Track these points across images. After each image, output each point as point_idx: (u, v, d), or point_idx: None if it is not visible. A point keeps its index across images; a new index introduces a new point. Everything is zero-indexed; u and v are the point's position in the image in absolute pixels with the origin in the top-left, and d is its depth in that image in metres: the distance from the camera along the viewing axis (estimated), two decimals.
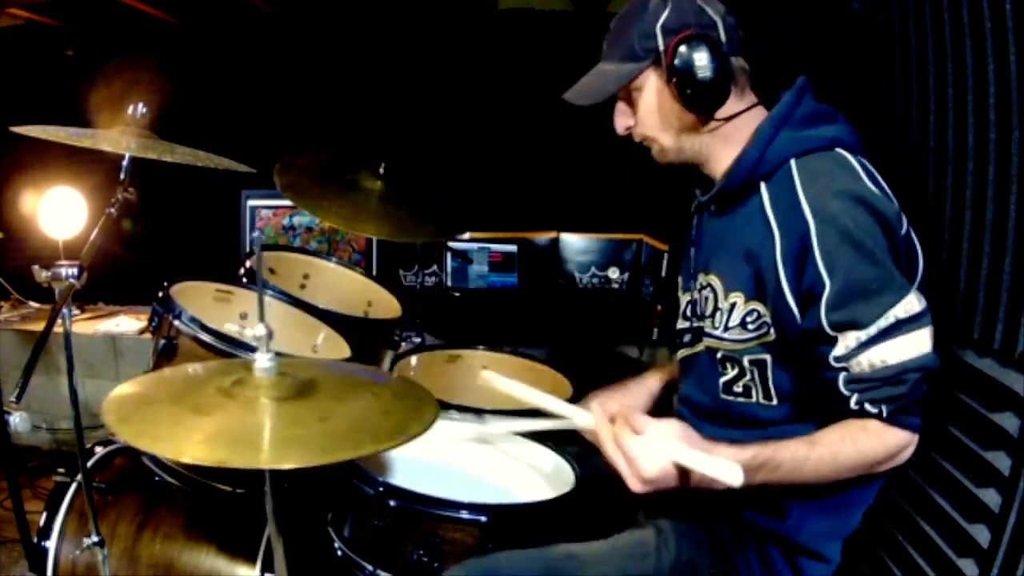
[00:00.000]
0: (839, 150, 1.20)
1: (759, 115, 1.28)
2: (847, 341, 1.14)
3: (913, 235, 1.22)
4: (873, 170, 1.21)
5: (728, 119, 1.26)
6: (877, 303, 1.13)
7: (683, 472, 1.12)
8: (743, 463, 1.10)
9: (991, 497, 1.29)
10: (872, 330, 1.13)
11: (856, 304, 1.13)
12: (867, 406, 1.14)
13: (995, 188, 1.29)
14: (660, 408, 1.63)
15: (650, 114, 1.28)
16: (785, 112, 1.24)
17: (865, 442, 1.15)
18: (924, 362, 1.14)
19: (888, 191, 1.20)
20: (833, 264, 1.14)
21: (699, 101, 1.22)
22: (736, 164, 1.26)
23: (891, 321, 1.13)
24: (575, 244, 3.07)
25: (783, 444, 1.16)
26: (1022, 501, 1.24)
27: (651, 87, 1.26)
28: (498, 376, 1.39)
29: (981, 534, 1.31)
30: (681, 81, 1.19)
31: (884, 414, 1.14)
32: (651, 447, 1.12)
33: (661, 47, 1.21)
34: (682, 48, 1.18)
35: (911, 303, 1.14)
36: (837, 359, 1.15)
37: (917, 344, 1.14)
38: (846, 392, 1.15)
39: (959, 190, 1.39)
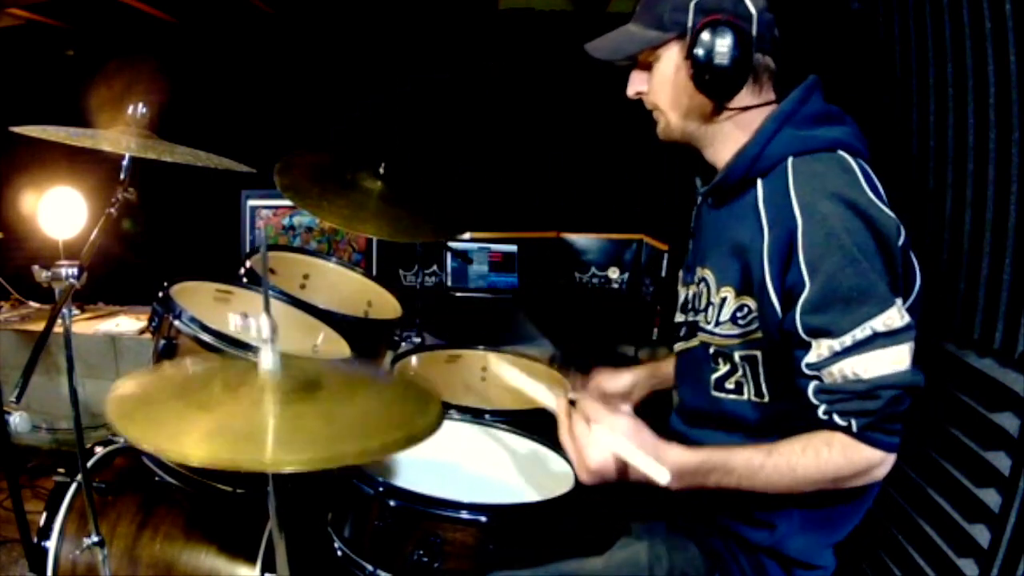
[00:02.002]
0: (841, 152, 1.18)
1: (771, 112, 1.27)
2: (820, 349, 1.11)
3: (911, 251, 1.19)
4: (874, 178, 1.18)
5: (739, 110, 1.25)
6: (856, 312, 1.09)
7: (623, 467, 1.14)
8: (690, 465, 1.14)
9: (991, 497, 1.29)
10: (847, 340, 1.09)
11: (833, 311, 1.10)
12: (836, 418, 1.11)
13: (995, 188, 1.29)
14: (656, 398, 1.66)
15: (663, 86, 1.27)
16: (790, 110, 1.23)
17: (828, 456, 1.12)
18: (900, 379, 1.10)
19: (885, 200, 1.17)
20: (816, 265, 1.11)
21: (711, 87, 1.21)
22: (736, 158, 1.25)
23: (868, 333, 1.09)
24: (575, 244, 3.08)
25: (738, 450, 1.16)
26: (1022, 501, 1.24)
27: (670, 59, 1.25)
28: (503, 366, 1.42)
29: (981, 534, 1.31)
30: (698, 62, 1.18)
31: (854, 428, 1.10)
32: (597, 436, 1.16)
33: (690, 24, 1.19)
34: (708, 30, 1.17)
35: (892, 317, 1.10)
36: (809, 366, 1.12)
37: (894, 360, 1.10)
38: (815, 401, 1.12)
39: (959, 190, 1.39)
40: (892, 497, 1.58)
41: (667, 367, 1.62)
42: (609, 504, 1.44)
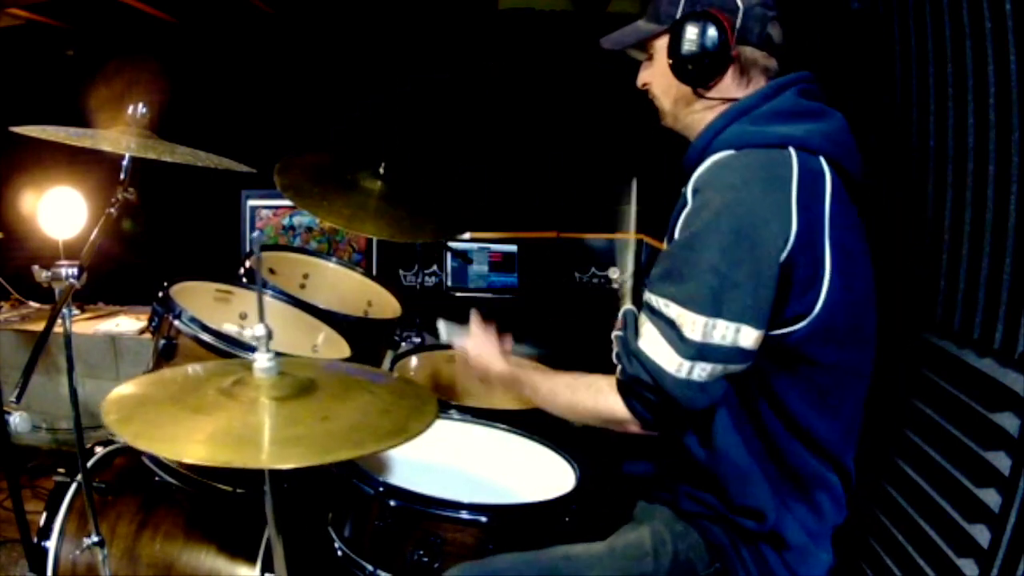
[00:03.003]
0: (790, 150, 1.17)
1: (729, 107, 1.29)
2: (647, 294, 1.21)
3: (826, 276, 1.13)
4: (824, 184, 1.16)
5: (721, 101, 1.28)
6: (668, 285, 1.17)
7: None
8: (504, 374, 1.47)
9: (991, 497, 1.29)
10: (648, 297, 1.20)
11: (662, 272, 1.19)
12: (615, 357, 1.24)
13: (995, 188, 1.30)
14: None
15: (656, 76, 1.33)
16: (748, 105, 1.24)
17: (592, 393, 1.27)
18: (658, 373, 1.15)
19: (814, 214, 1.13)
20: (681, 235, 1.18)
21: (686, 74, 1.26)
22: (688, 150, 1.30)
23: (663, 309, 1.16)
24: (575, 244, 3.07)
25: (541, 372, 1.43)
26: (1022, 501, 1.24)
27: (661, 50, 1.30)
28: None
29: (981, 534, 1.31)
30: (672, 51, 1.26)
31: (619, 375, 1.22)
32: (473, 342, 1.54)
33: (678, 15, 1.25)
34: (686, 22, 1.23)
35: (691, 322, 1.12)
36: (643, 302, 1.22)
37: (665, 355, 1.14)
38: (621, 329, 1.26)
39: (959, 190, 1.39)
40: (892, 497, 1.58)
41: None
42: (609, 503, 1.44)
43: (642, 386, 1.18)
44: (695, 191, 1.19)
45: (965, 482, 1.35)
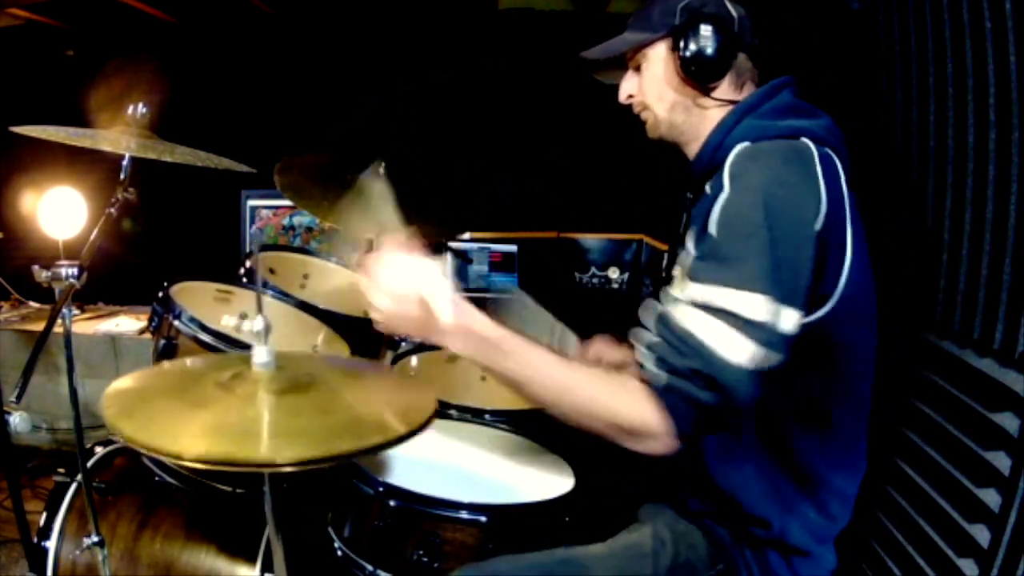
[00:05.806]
0: (804, 139, 1.18)
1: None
2: (683, 287, 1.12)
3: (848, 254, 1.14)
4: (838, 168, 1.17)
5: (721, 103, 1.29)
6: (720, 273, 1.08)
7: (422, 305, 1.14)
8: (483, 332, 1.15)
9: (991, 497, 1.29)
10: (694, 290, 1.09)
11: (709, 262, 1.11)
12: (643, 350, 1.11)
13: (995, 188, 1.30)
14: None
15: (651, 82, 1.33)
16: (753, 102, 1.27)
17: (620, 393, 1.10)
18: (719, 364, 1.04)
19: (837, 193, 1.14)
20: (722, 223, 1.11)
21: (696, 73, 1.26)
22: (700, 150, 1.31)
23: (717, 300, 1.06)
24: (575, 244, 3.08)
25: (534, 347, 1.16)
26: (1022, 501, 1.24)
27: (658, 56, 1.31)
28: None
29: (981, 534, 1.31)
30: (684, 50, 1.25)
31: (661, 382, 1.07)
32: (403, 263, 1.16)
33: (677, 22, 1.27)
34: (694, 23, 1.25)
35: (754, 305, 1.05)
36: (664, 296, 1.15)
37: (729, 343, 1.05)
38: (644, 323, 1.14)
39: (959, 190, 1.39)
40: (892, 497, 1.58)
41: None
42: (612, 498, 1.44)
43: (696, 382, 1.05)
44: (731, 179, 1.15)
45: (965, 482, 1.35)
